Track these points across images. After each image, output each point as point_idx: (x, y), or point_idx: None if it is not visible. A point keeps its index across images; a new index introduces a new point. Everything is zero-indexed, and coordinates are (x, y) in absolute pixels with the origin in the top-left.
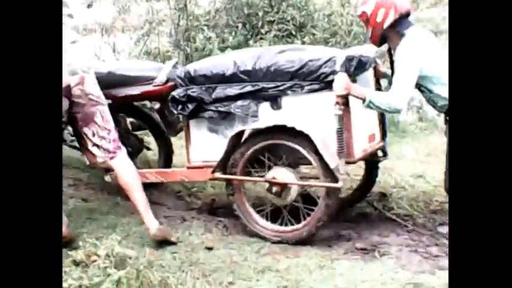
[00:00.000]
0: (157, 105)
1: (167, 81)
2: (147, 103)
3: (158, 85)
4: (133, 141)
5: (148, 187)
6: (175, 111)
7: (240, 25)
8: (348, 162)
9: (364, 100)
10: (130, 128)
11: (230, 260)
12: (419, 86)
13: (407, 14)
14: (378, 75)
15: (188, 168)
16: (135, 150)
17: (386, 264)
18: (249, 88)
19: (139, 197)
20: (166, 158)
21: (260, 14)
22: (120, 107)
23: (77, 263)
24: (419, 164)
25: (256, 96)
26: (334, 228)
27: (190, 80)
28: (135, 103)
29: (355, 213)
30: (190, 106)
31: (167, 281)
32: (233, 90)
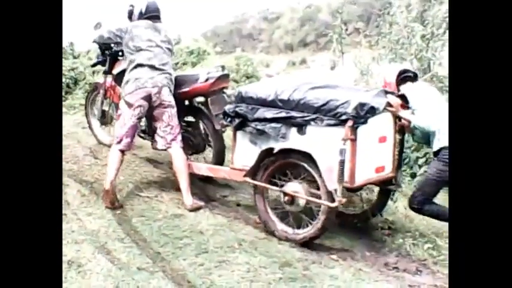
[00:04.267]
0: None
1: (207, 79)
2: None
3: (201, 82)
4: (201, 140)
5: None
6: (225, 123)
7: None
8: (348, 188)
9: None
10: (202, 131)
11: None
12: None
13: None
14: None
15: (231, 168)
16: (201, 146)
17: None
18: (282, 114)
19: (183, 180)
20: (218, 154)
21: None
22: (190, 108)
23: None
24: None
25: (287, 121)
26: None
27: (241, 99)
28: (197, 105)
29: None
30: (237, 120)
31: None
32: (270, 113)
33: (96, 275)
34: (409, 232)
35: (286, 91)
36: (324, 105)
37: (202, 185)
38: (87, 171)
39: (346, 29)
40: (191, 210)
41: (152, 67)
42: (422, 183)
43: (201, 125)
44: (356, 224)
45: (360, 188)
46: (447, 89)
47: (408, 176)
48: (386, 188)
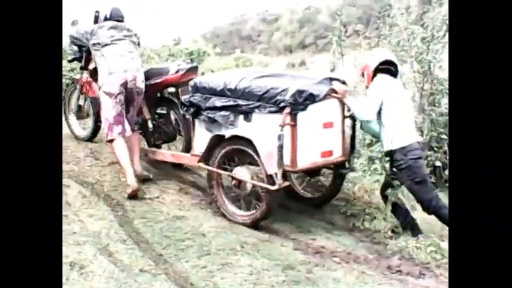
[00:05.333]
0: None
1: (178, 71)
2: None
3: (172, 74)
4: (172, 129)
5: None
6: (182, 112)
7: None
8: (292, 171)
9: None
10: (173, 120)
11: None
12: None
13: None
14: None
15: (192, 155)
16: (173, 135)
17: None
18: (230, 103)
19: (136, 155)
20: (187, 142)
21: None
22: (162, 99)
23: None
24: None
25: (235, 109)
26: None
27: (196, 89)
28: (168, 95)
29: None
30: (192, 109)
31: None
32: (219, 102)
33: (98, 277)
34: None
35: (234, 81)
36: (265, 93)
37: (203, 187)
38: (88, 173)
39: (346, 31)
40: (139, 177)
41: (121, 56)
42: (414, 192)
43: (172, 115)
44: (314, 207)
45: (318, 171)
46: (447, 91)
47: None
48: (340, 171)
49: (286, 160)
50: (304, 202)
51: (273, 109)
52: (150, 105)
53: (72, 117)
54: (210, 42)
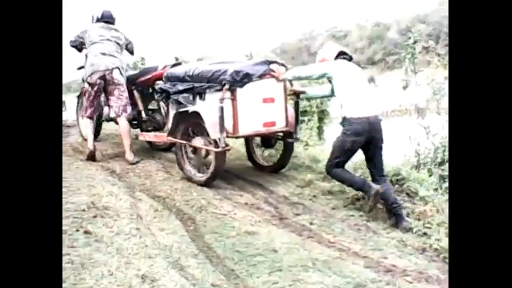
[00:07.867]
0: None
1: (164, 67)
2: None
3: (160, 70)
4: (161, 118)
5: None
6: (157, 97)
7: None
8: (234, 137)
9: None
10: (163, 111)
11: None
12: None
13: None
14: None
15: (168, 133)
16: (162, 124)
17: None
18: (189, 86)
19: (126, 142)
20: None
21: None
22: (153, 93)
23: None
24: None
25: (193, 91)
26: None
27: (167, 78)
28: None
29: None
30: (164, 95)
31: None
32: (182, 86)
33: None
34: None
35: (192, 69)
36: (212, 75)
37: (275, 203)
38: (160, 187)
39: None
40: (132, 164)
41: (103, 54)
42: (332, 150)
43: (162, 107)
44: (271, 172)
45: (271, 144)
46: None
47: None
48: (288, 141)
49: (229, 128)
50: (263, 169)
51: (218, 88)
52: (144, 98)
53: (81, 120)
54: (279, 58)
